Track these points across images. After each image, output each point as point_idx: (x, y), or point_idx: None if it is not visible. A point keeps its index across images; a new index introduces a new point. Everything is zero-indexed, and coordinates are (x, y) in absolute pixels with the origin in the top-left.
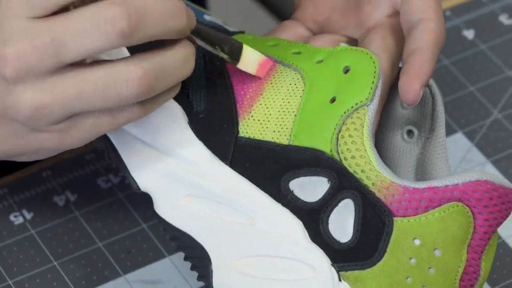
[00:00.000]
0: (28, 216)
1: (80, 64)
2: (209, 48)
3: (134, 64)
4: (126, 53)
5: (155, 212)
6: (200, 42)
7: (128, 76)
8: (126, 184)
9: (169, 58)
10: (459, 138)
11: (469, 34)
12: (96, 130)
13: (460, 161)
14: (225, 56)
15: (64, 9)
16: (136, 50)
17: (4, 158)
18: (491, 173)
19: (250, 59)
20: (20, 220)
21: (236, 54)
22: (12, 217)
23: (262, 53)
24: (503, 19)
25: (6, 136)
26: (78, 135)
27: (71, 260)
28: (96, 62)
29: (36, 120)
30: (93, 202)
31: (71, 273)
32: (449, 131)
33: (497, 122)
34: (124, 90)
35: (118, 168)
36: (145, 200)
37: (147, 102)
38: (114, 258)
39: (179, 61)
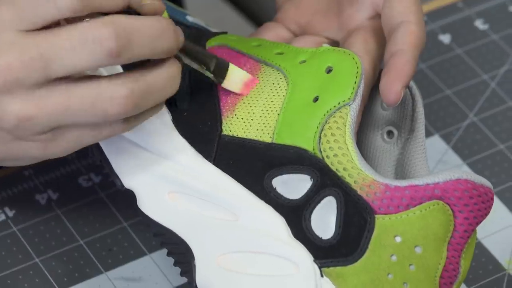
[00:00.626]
0: (10, 213)
1: (68, 78)
2: (195, 66)
3: (121, 84)
4: (118, 67)
5: (135, 211)
6: (186, 60)
7: (114, 94)
8: (107, 183)
9: (156, 77)
10: (436, 141)
11: (445, 38)
12: (80, 142)
13: (437, 163)
14: (210, 75)
15: (55, 24)
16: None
17: None
18: (471, 173)
19: (235, 78)
20: (2, 217)
21: (222, 72)
22: None
23: (247, 73)
24: (479, 24)
25: None
26: (62, 146)
27: (53, 257)
28: (84, 78)
29: (21, 130)
30: (74, 200)
31: (53, 270)
32: (426, 134)
33: (473, 125)
34: (109, 108)
35: (102, 165)
36: (126, 199)
37: (131, 118)
38: (96, 256)
39: (166, 80)
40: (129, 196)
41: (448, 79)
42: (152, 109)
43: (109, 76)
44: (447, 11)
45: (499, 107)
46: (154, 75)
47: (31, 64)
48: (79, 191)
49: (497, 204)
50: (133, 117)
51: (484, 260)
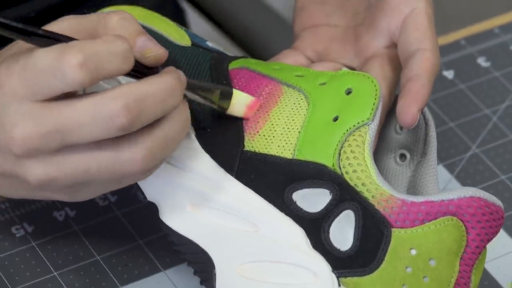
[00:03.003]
0: (29, 229)
1: (85, 144)
2: (199, 100)
3: (138, 146)
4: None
5: (151, 228)
6: (190, 95)
7: (133, 156)
8: (123, 202)
9: (170, 130)
10: (440, 170)
11: (449, 74)
12: (103, 190)
13: (441, 191)
14: (214, 107)
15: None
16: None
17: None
18: (484, 191)
19: (238, 103)
20: (22, 232)
21: (226, 100)
22: (13, 230)
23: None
24: (481, 61)
25: (16, 188)
26: (86, 195)
27: (71, 271)
28: (101, 142)
29: (44, 187)
30: (91, 218)
31: (70, 284)
32: None
33: (476, 156)
34: (129, 169)
35: None
36: (141, 217)
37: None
38: (112, 271)
39: (179, 130)
40: (144, 214)
41: (452, 112)
42: (168, 155)
43: (126, 139)
44: (451, 49)
45: (501, 140)
46: (168, 128)
47: (47, 135)
48: (96, 209)
49: (500, 232)
50: (152, 167)
51: (487, 283)
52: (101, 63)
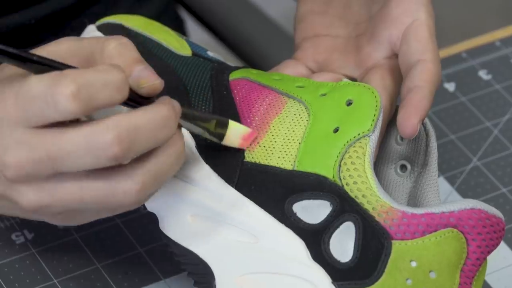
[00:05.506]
0: (29, 236)
1: (79, 173)
2: (195, 130)
3: (133, 179)
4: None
5: (151, 237)
6: (185, 124)
7: (127, 188)
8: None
9: (165, 161)
10: (441, 182)
11: (450, 86)
12: (98, 216)
13: (442, 203)
14: (208, 137)
15: None
16: None
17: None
18: (484, 203)
19: (234, 134)
20: (22, 239)
21: (222, 130)
22: (14, 237)
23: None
24: (482, 74)
25: (12, 209)
26: (79, 221)
27: (71, 278)
28: (95, 171)
29: (38, 213)
30: (91, 226)
31: None
32: None
33: (476, 169)
34: (122, 200)
35: None
36: (142, 226)
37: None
38: (112, 279)
39: (172, 161)
40: (145, 223)
41: (453, 125)
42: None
43: (121, 170)
44: (452, 61)
45: (502, 153)
46: (162, 162)
47: (39, 162)
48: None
49: (500, 244)
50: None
51: None
52: (94, 93)
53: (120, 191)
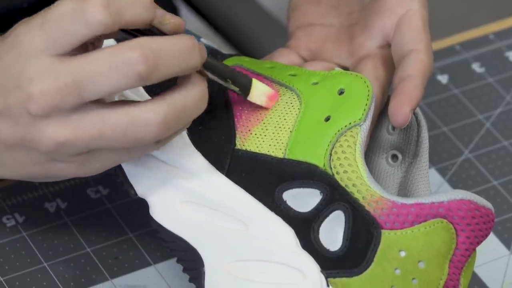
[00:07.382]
0: (20, 219)
1: (102, 104)
2: (220, 81)
3: (153, 110)
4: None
5: (141, 222)
6: (211, 76)
7: (148, 122)
8: (114, 195)
9: (187, 99)
10: (432, 174)
11: (443, 79)
12: (113, 162)
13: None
14: (236, 89)
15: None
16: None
17: (17, 179)
18: (474, 194)
19: (259, 92)
20: (12, 222)
21: (246, 86)
22: (4, 219)
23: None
24: (475, 67)
25: (24, 163)
26: (95, 166)
27: (61, 262)
28: (117, 103)
29: (57, 153)
30: (82, 210)
31: (60, 275)
32: None
33: (468, 161)
34: (143, 135)
35: (111, 178)
36: (132, 211)
37: (162, 139)
38: (102, 263)
39: (196, 101)
40: (135, 208)
41: (445, 117)
42: (183, 128)
43: (143, 103)
44: (446, 54)
45: (493, 146)
46: (186, 98)
47: (65, 90)
48: (87, 202)
49: (490, 236)
50: (164, 138)
51: None
52: (124, 7)
53: (142, 123)
